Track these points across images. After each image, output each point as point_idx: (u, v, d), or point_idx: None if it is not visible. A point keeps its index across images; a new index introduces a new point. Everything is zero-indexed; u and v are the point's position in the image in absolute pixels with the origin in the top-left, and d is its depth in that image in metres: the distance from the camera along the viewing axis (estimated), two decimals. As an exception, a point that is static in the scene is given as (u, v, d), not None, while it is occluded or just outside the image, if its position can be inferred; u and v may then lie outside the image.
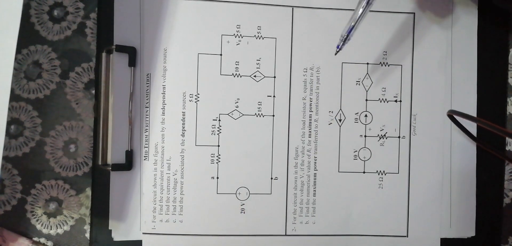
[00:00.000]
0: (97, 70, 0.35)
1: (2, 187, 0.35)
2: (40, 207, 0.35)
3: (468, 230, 0.37)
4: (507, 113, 0.37)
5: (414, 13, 0.36)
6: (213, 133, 0.35)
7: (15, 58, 0.34)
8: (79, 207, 0.35)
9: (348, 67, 0.36)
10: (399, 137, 0.37)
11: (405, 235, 0.37)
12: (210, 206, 0.36)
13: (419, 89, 0.36)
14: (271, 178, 0.36)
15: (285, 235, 0.36)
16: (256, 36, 0.35)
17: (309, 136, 0.36)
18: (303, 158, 0.36)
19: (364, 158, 0.36)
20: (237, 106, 0.36)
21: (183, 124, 0.35)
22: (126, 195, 0.35)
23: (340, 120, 0.36)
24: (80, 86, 0.35)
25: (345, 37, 0.31)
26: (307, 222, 0.36)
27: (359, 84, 0.36)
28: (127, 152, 0.35)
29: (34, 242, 0.35)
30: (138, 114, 0.35)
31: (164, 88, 0.35)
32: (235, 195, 0.36)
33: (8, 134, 0.34)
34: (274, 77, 0.36)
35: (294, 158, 0.36)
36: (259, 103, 0.36)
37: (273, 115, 0.36)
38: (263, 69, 0.36)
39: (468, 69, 0.37)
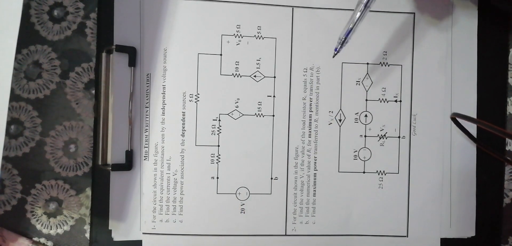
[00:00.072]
0: (97, 70, 0.35)
1: (2, 187, 0.35)
2: (40, 207, 0.35)
3: (468, 230, 0.37)
4: (507, 113, 0.37)
5: (414, 13, 0.36)
6: (213, 133, 0.35)
7: (15, 58, 0.34)
8: (79, 207, 0.35)
9: (348, 67, 0.36)
10: (399, 137, 0.37)
11: (405, 235, 0.37)
12: (210, 206, 0.36)
13: (419, 89, 0.36)
14: (271, 178, 0.36)
15: (285, 235, 0.36)
16: (256, 36, 0.35)
17: (309, 136, 0.36)
18: (303, 158, 0.36)
19: (364, 158, 0.36)
20: (237, 106, 0.36)
21: (183, 124, 0.35)
22: (126, 195, 0.35)
23: (340, 120, 0.36)
24: (80, 86, 0.35)
25: (343, 40, 0.31)
26: (307, 222, 0.36)
27: (359, 84, 0.36)
28: (127, 152, 0.35)
29: (34, 242, 0.35)
30: (138, 114, 0.35)
31: (164, 88, 0.35)
32: (235, 195, 0.36)
33: (8, 134, 0.34)
34: (274, 77, 0.36)
35: (294, 158, 0.36)
36: (259, 103, 0.36)
37: (273, 115, 0.36)
38: (263, 69, 0.36)
39: (468, 69, 0.37)
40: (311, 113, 0.36)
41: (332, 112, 0.36)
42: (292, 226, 0.36)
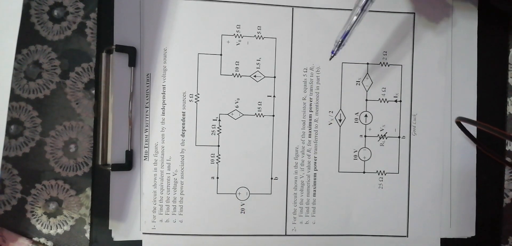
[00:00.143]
0: (97, 70, 0.35)
1: (2, 187, 0.34)
2: (40, 207, 0.35)
3: (468, 230, 0.37)
4: (507, 113, 0.37)
5: (414, 13, 0.36)
6: (213, 133, 0.35)
7: (15, 58, 0.34)
8: (79, 207, 0.35)
9: (348, 67, 0.36)
10: (399, 137, 0.37)
11: (405, 235, 0.37)
12: (210, 206, 0.36)
13: (419, 89, 0.36)
14: (271, 178, 0.36)
15: (285, 235, 0.36)
16: (256, 36, 0.35)
17: (309, 136, 0.36)
18: (303, 158, 0.36)
19: (364, 158, 0.36)
20: (237, 106, 0.36)
21: (183, 124, 0.35)
22: (126, 195, 0.35)
23: (340, 120, 0.36)
24: (80, 86, 0.35)
25: (339, 42, 0.32)
26: (307, 222, 0.36)
27: (359, 84, 0.36)
28: (127, 152, 0.35)
29: (34, 242, 0.35)
30: (138, 114, 0.35)
31: (164, 88, 0.35)
32: (235, 195, 0.36)
33: (8, 134, 0.34)
34: (274, 77, 0.36)
35: (294, 158, 0.36)
36: (259, 103, 0.36)
37: (273, 115, 0.36)
38: (263, 69, 0.36)
39: (468, 69, 0.37)
40: (311, 113, 0.36)
41: (332, 112, 0.36)
42: (292, 226, 0.36)
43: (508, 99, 0.37)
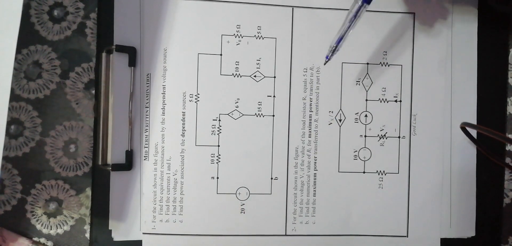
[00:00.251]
0: (97, 70, 0.35)
1: (2, 187, 0.34)
2: (40, 207, 0.35)
3: (468, 230, 0.37)
4: (507, 113, 0.37)
5: (414, 13, 0.36)
6: (213, 133, 0.35)
7: (15, 58, 0.34)
8: (79, 207, 0.35)
9: (348, 67, 0.36)
10: (399, 137, 0.37)
11: (405, 235, 0.37)
12: (210, 206, 0.36)
13: (419, 89, 0.36)
14: (271, 178, 0.36)
15: (285, 235, 0.36)
16: (256, 36, 0.35)
17: (309, 136, 0.36)
18: (303, 158, 0.36)
19: (364, 158, 0.36)
20: (237, 106, 0.36)
21: (183, 124, 0.35)
22: (126, 195, 0.35)
23: (340, 120, 0.36)
24: (80, 86, 0.35)
25: (334, 47, 0.32)
26: (307, 222, 0.36)
27: (359, 84, 0.36)
28: (127, 152, 0.35)
29: (34, 242, 0.35)
30: (138, 114, 0.35)
31: (164, 88, 0.35)
32: (235, 195, 0.36)
33: (8, 134, 0.34)
34: (274, 77, 0.36)
35: (294, 158, 0.36)
36: (259, 103, 0.36)
37: (273, 115, 0.36)
38: (263, 69, 0.36)
39: (468, 69, 0.37)
40: (311, 113, 0.36)
41: (332, 112, 0.36)
42: (292, 226, 0.36)
43: (508, 100, 0.37)
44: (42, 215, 0.35)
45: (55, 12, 0.34)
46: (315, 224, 0.36)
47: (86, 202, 0.35)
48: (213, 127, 0.35)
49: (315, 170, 0.36)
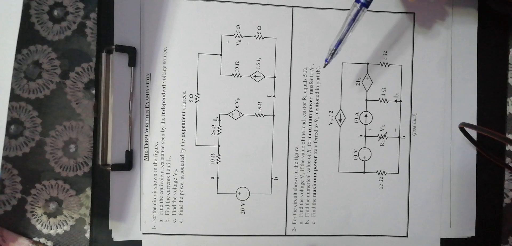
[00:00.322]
0: (97, 70, 0.35)
1: (2, 187, 0.34)
2: (40, 207, 0.35)
3: (468, 230, 0.37)
4: (507, 113, 0.37)
5: (414, 13, 0.36)
6: (213, 133, 0.35)
7: (15, 58, 0.34)
8: (79, 207, 0.35)
9: (348, 67, 0.36)
10: (399, 137, 0.37)
11: (405, 235, 0.37)
12: (210, 206, 0.36)
13: (419, 89, 0.36)
14: (271, 178, 0.36)
15: (285, 235, 0.36)
16: (256, 36, 0.35)
17: (309, 136, 0.36)
18: (303, 158, 0.36)
19: (364, 158, 0.36)
20: (237, 106, 0.36)
21: (183, 124, 0.35)
22: (126, 195, 0.35)
23: (340, 120, 0.36)
24: (80, 86, 0.35)
25: (333, 51, 0.32)
26: (307, 222, 0.36)
27: (359, 84, 0.36)
28: (127, 152, 0.35)
29: (34, 242, 0.35)
30: (138, 114, 0.35)
31: (164, 88, 0.35)
32: (235, 195, 0.36)
33: (8, 134, 0.34)
34: (274, 77, 0.36)
35: (294, 158, 0.36)
36: (259, 103, 0.36)
37: (273, 115, 0.36)
38: (263, 69, 0.36)
39: (468, 69, 0.37)
40: (311, 113, 0.36)
41: (332, 112, 0.36)
42: (292, 226, 0.36)
43: (508, 100, 0.37)
44: (42, 215, 0.35)
45: (55, 12, 0.34)
46: (315, 224, 0.36)
47: (86, 202, 0.35)
48: (213, 127, 0.35)
49: (315, 170, 0.36)
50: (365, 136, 0.36)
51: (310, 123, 0.36)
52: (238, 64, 0.35)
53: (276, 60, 0.36)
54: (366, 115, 0.36)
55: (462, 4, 0.37)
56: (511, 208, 0.37)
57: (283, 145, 0.36)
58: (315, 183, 0.36)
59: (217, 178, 0.36)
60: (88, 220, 0.35)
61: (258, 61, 0.36)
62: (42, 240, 0.35)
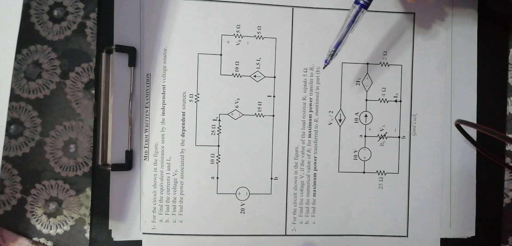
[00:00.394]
0: (97, 70, 0.35)
1: (2, 187, 0.34)
2: (40, 207, 0.35)
3: (468, 230, 0.37)
4: (507, 113, 0.37)
5: (414, 13, 0.36)
6: (213, 133, 0.35)
7: (15, 58, 0.34)
8: (79, 207, 0.35)
9: (348, 67, 0.36)
10: (399, 137, 0.37)
11: (405, 235, 0.37)
12: (210, 206, 0.36)
13: (419, 89, 0.36)
14: (271, 178, 0.36)
15: (285, 235, 0.36)
16: (256, 36, 0.35)
17: (309, 136, 0.36)
18: (303, 158, 0.36)
19: (364, 158, 0.36)
20: (237, 106, 0.36)
21: (183, 124, 0.35)
22: (126, 195, 0.35)
23: (340, 120, 0.36)
24: (80, 86, 0.35)
25: (332, 52, 0.32)
26: (307, 222, 0.36)
27: (359, 84, 0.36)
28: (127, 152, 0.35)
29: (34, 242, 0.35)
30: (138, 114, 0.35)
31: (164, 88, 0.35)
32: (235, 195, 0.36)
33: (8, 134, 0.34)
34: (274, 77, 0.36)
35: (294, 158, 0.36)
36: (259, 103, 0.36)
37: (273, 116, 0.36)
38: (263, 69, 0.36)
39: (468, 69, 0.37)
40: (311, 113, 0.36)
41: (332, 112, 0.36)
42: (292, 226, 0.36)
43: (508, 100, 0.37)
44: (42, 215, 0.35)
45: (55, 12, 0.34)
46: (315, 224, 0.36)
47: (86, 202, 0.35)
48: (213, 127, 0.35)
49: (315, 170, 0.36)
50: (365, 136, 0.36)
51: (310, 123, 0.36)
52: (238, 64, 0.35)
53: (276, 60, 0.36)
54: (366, 115, 0.36)
55: (462, 4, 0.37)
56: (511, 208, 0.37)
57: (283, 145, 0.36)
58: (315, 183, 0.36)
59: (217, 178, 0.36)
60: (88, 220, 0.35)
61: (258, 61, 0.36)
62: (42, 240, 0.35)
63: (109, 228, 0.35)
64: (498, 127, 0.37)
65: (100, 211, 0.35)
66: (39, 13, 0.34)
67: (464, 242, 0.37)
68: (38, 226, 0.35)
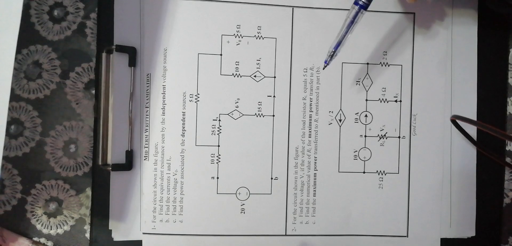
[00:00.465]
0: (97, 70, 0.35)
1: (2, 187, 0.34)
2: (40, 207, 0.35)
3: (468, 230, 0.37)
4: (507, 113, 0.37)
5: (414, 13, 0.36)
6: (213, 133, 0.35)
7: (15, 58, 0.34)
8: (79, 207, 0.35)
9: (348, 67, 0.36)
10: (399, 137, 0.37)
11: (405, 235, 0.37)
12: (210, 206, 0.36)
13: (419, 89, 0.36)
14: (271, 178, 0.36)
15: (285, 235, 0.36)
16: (256, 36, 0.35)
17: (309, 136, 0.36)
18: (303, 158, 0.36)
19: (364, 158, 0.36)
20: (237, 106, 0.36)
21: (183, 124, 0.35)
22: (126, 195, 0.35)
23: (340, 120, 0.36)
24: (80, 86, 0.35)
25: (332, 52, 0.32)
26: (307, 222, 0.36)
27: (359, 84, 0.36)
28: (127, 152, 0.35)
29: (34, 242, 0.35)
30: (138, 114, 0.35)
31: (164, 88, 0.35)
32: (235, 195, 0.36)
33: (8, 134, 0.34)
34: (274, 77, 0.36)
35: (294, 158, 0.36)
36: (259, 103, 0.36)
37: (273, 115, 0.36)
38: (263, 69, 0.36)
39: (468, 69, 0.37)
40: (311, 113, 0.36)
41: (332, 112, 0.36)
42: (292, 226, 0.36)
43: (508, 99, 0.37)
44: (42, 215, 0.35)
45: (55, 12, 0.34)
46: (315, 224, 0.36)
47: (86, 202, 0.35)
48: (213, 127, 0.35)
49: (315, 170, 0.36)
50: (365, 136, 0.36)
51: (310, 123, 0.36)
52: (238, 64, 0.35)
53: (276, 60, 0.36)
54: (366, 115, 0.36)
55: (462, 4, 0.37)
56: (511, 208, 0.37)
57: (283, 145, 0.36)
58: (315, 183, 0.36)
59: (217, 178, 0.36)
60: (88, 220, 0.35)
61: (258, 61, 0.36)
62: (42, 240, 0.35)
63: (109, 228, 0.35)
64: (498, 126, 0.37)
65: (100, 211, 0.35)
66: (39, 13, 0.34)
67: (464, 242, 0.37)
68: (38, 226, 0.35)
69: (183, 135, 0.35)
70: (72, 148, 0.35)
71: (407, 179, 0.37)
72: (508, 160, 0.37)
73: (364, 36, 0.36)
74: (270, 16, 0.35)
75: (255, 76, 0.36)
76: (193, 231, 0.35)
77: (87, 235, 0.35)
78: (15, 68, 0.34)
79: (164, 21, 0.35)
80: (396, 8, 0.36)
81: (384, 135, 0.36)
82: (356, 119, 0.36)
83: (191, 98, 0.35)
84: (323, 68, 0.33)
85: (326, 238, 0.36)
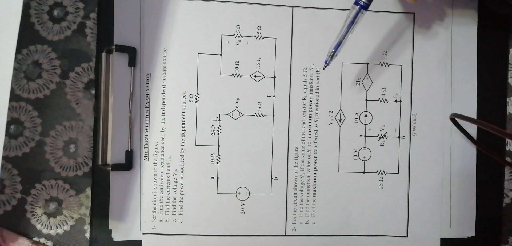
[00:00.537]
0: (97, 70, 0.35)
1: (2, 187, 0.34)
2: (40, 207, 0.35)
3: (468, 230, 0.37)
4: (507, 113, 0.37)
5: (414, 13, 0.36)
6: (213, 133, 0.35)
7: (15, 58, 0.34)
8: (79, 207, 0.35)
9: (348, 67, 0.36)
10: (399, 137, 0.37)
11: (405, 235, 0.37)
12: (210, 206, 0.36)
13: (419, 89, 0.36)
14: (271, 178, 0.36)
15: (285, 235, 0.36)
16: (256, 36, 0.35)
17: (309, 136, 0.36)
18: (303, 158, 0.36)
19: (364, 158, 0.36)
20: (237, 106, 0.36)
21: (183, 124, 0.35)
22: (126, 195, 0.35)
23: (340, 120, 0.36)
24: (80, 86, 0.35)
25: (332, 53, 0.32)
26: (307, 222, 0.36)
27: (359, 84, 0.36)
28: (127, 152, 0.35)
29: (34, 242, 0.35)
30: (138, 114, 0.35)
31: (164, 88, 0.35)
32: (235, 195, 0.36)
33: (8, 134, 0.34)
34: (274, 77, 0.36)
35: (294, 158, 0.36)
36: (259, 103, 0.36)
37: (273, 115, 0.36)
38: (263, 69, 0.36)
39: (468, 69, 0.37)
40: (311, 113, 0.36)
41: (332, 112, 0.36)
42: (292, 226, 0.36)
43: (508, 99, 0.37)
44: (42, 215, 0.35)
45: (55, 12, 0.34)
46: (315, 224, 0.36)
47: (86, 202, 0.35)
48: (213, 127, 0.35)
49: (315, 170, 0.36)
50: (365, 136, 0.36)
51: (310, 123, 0.36)
52: (238, 64, 0.35)
53: (276, 60, 0.36)
54: (366, 115, 0.36)
55: (462, 5, 0.37)
56: (511, 208, 0.37)
57: (283, 145, 0.36)
58: (315, 183, 0.36)
59: (217, 178, 0.36)
60: (88, 220, 0.35)
61: (258, 61, 0.36)
62: (42, 240, 0.35)
63: (109, 228, 0.35)
64: (498, 126, 0.37)
65: (100, 211, 0.35)
66: (39, 13, 0.34)
67: (464, 242, 0.37)
68: (38, 226, 0.35)
69: (183, 135, 0.35)
70: (72, 148, 0.35)
71: (407, 179, 0.37)
72: (508, 159, 0.37)
73: (364, 36, 0.36)
74: (270, 16, 0.35)
75: (255, 76, 0.36)
76: (193, 231, 0.35)
77: (87, 235, 0.35)
78: (15, 68, 0.34)
79: (164, 21, 0.35)
80: (396, 8, 0.36)
81: (384, 135, 0.36)
82: (356, 119, 0.36)
83: (191, 98, 0.35)
84: (323, 68, 0.33)
85: (326, 238, 0.36)
